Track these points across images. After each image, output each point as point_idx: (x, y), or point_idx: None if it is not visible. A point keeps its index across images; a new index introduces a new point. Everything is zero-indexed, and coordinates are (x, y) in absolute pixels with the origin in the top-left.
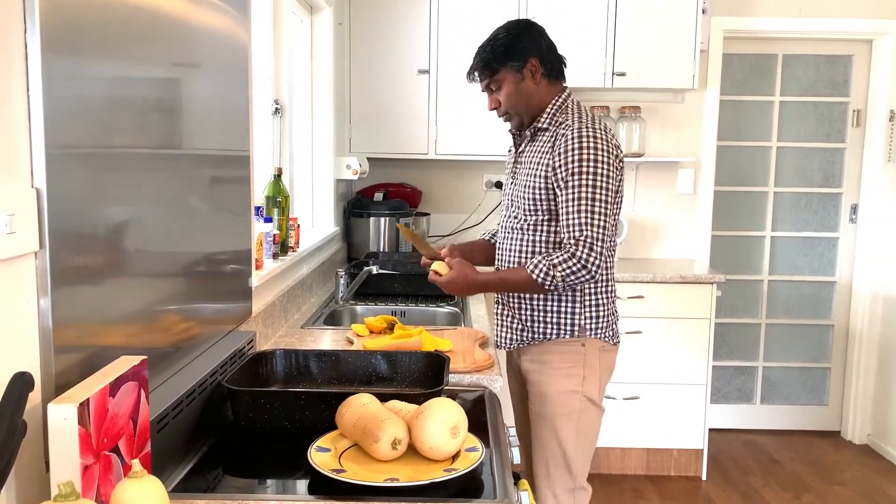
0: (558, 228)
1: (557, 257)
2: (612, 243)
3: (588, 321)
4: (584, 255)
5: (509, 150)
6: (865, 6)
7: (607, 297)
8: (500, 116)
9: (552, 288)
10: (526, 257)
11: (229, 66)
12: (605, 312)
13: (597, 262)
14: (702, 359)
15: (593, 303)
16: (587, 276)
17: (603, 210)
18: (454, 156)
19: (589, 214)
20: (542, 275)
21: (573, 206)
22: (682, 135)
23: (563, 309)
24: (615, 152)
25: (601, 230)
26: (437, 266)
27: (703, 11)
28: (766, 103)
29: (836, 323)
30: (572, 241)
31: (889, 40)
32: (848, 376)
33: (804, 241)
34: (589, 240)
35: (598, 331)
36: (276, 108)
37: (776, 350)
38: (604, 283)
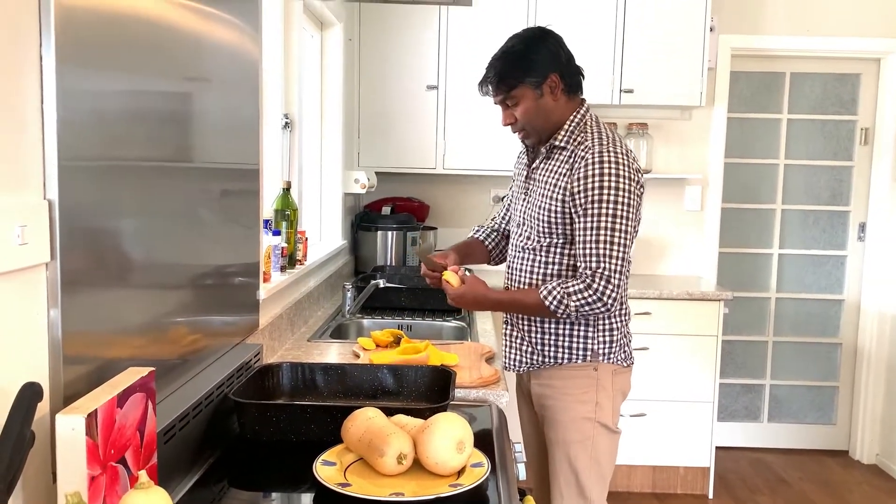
0: (573, 252)
1: (573, 286)
2: (627, 269)
3: (601, 346)
4: (601, 288)
5: (517, 162)
6: (873, 25)
7: (621, 321)
8: (515, 132)
9: (564, 316)
10: (538, 280)
11: (240, 81)
12: (619, 336)
13: (613, 294)
14: (709, 376)
15: (607, 327)
16: (602, 309)
17: (622, 241)
18: (461, 170)
19: (608, 246)
20: (555, 302)
21: (591, 235)
22: (689, 151)
23: (575, 333)
24: (636, 178)
25: (619, 262)
26: (448, 276)
27: (711, 29)
28: (773, 121)
29: (844, 341)
30: (589, 273)
31: None
32: (856, 395)
33: (812, 258)
34: (606, 272)
35: (612, 354)
36: (286, 123)
37: (784, 368)
38: (618, 307)
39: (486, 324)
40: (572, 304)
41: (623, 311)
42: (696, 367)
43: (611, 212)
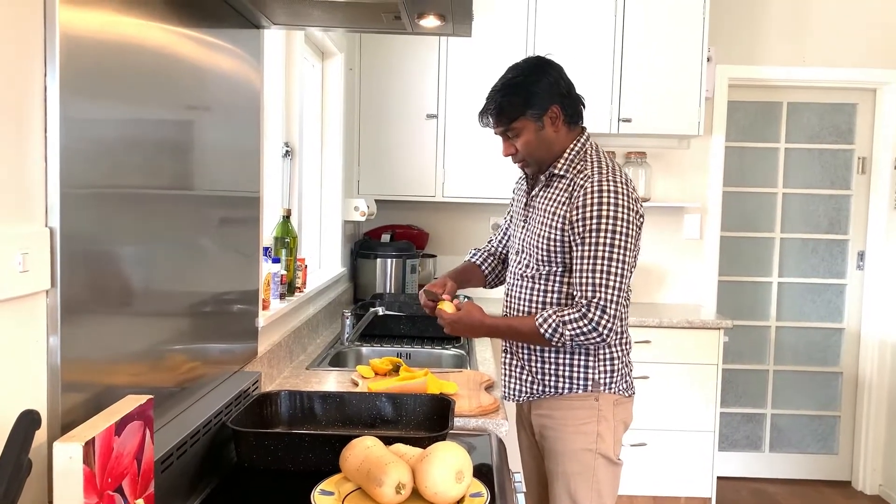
0: (572, 280)
1: (568, 314)
2: (627, 298)
3: (602, 375)
4: (596, 318)
5: (517, 187)
6: (869, 56)
7: (622, 350)
8: (516, 163)
9: (559, 345)
10: (537, 307)
11: (242, 110)
12: (620, 365)
13: (608, 324)
14: (709, 405)
15: (608, 357)
16: (597, 339)
17: (619, 270)
18: (461, 198)
19: (604, 275)
20: (550, 330)
21: (588, 264)
22: (687, 180)
23: (576, 363)
24: (635, 207)
25: (616, 292)
26: (443, 304)
27: (709, 60)
28: (771, 150)
29: (844, 370)
30: (584, 302)
31: (893, 89)
32: (858, 425)
33: (811, 287)
34: (602, 301)
35: (613, 384)
36: (287, 151)
37: (785, 397)
38: (618, 336)
39: (486, 352)
40: (567, 332)
41: (624, 340)
42: (697, 396)
43: (608, 241)
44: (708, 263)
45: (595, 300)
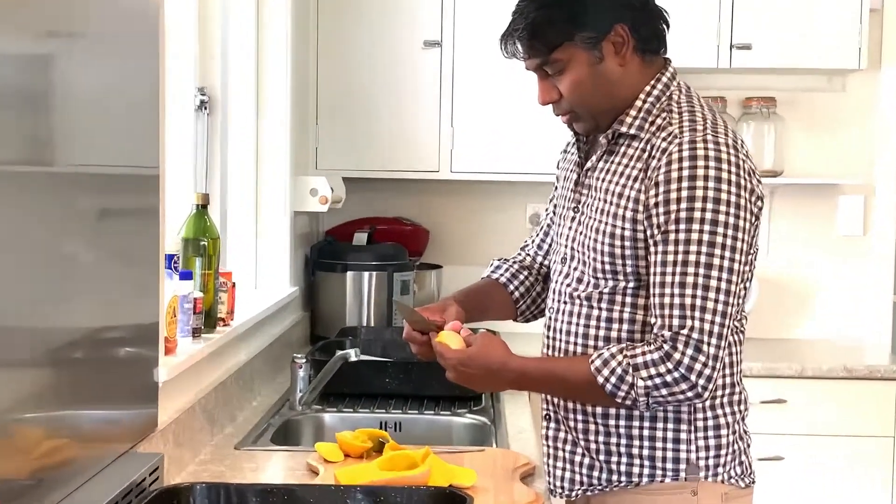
0: (650, 302)
1: (642, 354)
2: (741, 330)
3: (702, 454)
4: (687, 360)
5: (562, 160)
6: None
7: (732, 411)
8: (559, 115)
9: (629, 403)
10: (595, 346)
11: (129, 37)
12: (732, 437)
13: (707, 370)
14: (883, 499)
15: (710, 424)
16: (689, 394)
17: (725, 283)
18: (480, 174)
19: (699, 292)
20: (613, 379)
21: (673, 275)
22: (842, 142)
23: (659, 433)
24: (751, 185)
25: (719, 319)
26: (445, 337)
27: None
28: None
29: None
30: (667, 334)
31: None
32: None
33: None
34: (696, 334)
35: (721, 468)
36: (202, 102)
37: None
38: (725, 391)
39: (522, 418)
40: (641, 383)
41: (736, 394)
42: (861, 486)
43: (706, 238)
44: (877, 274)
45: (685, 331)
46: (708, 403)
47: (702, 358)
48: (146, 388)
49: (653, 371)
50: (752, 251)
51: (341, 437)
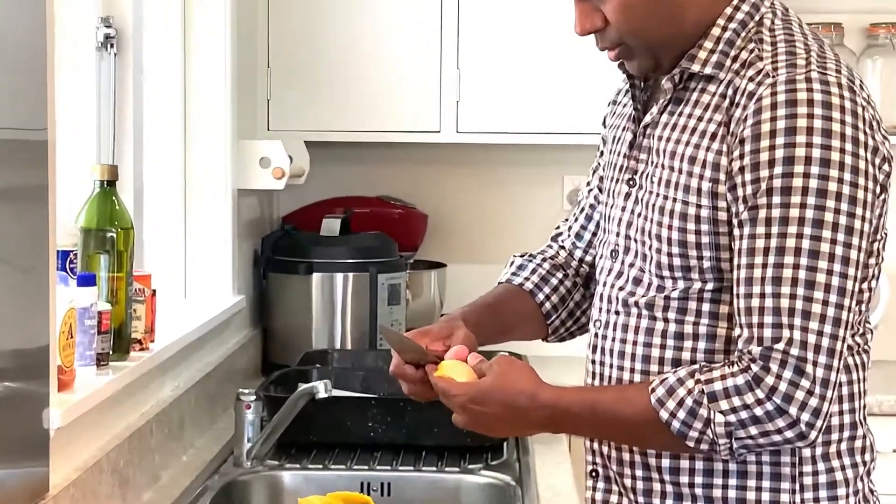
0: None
1: (722, 378)
2: (864, 341)
3: None
4: (784, 386)
5: (611, 115)
6: None
7: (854, 462)
8: (605, 49)
9: (706, 449)
10: (660, 374)
11: None
12: (853, 500)
13: (813, 402)
14: None
15: (822, 479)
16: (788, 434)
17: (839, 279)
18: (497, 135)
19: (803, 289)
20: (683, 414)
21: (766, 266)
22: None
23: (751, 496)
24: (873, 142)
25: (832, 327)
26: (449, 368)
27: None
28: None
29: None
30: (755, 350)
31: None
32: None
33: None
34: (796, 349)
35: None
36: (107, 38)
37: None
38: (846, 430)
39: (560, 475)
40: (720, 418)
41: (859, 445)
42: None
43: (811, 216)
44: None
45: (780, 346)
46: (819, 451)
47: (805, 383)
48: (33, 438)
49: (737, 402)
50: (877, 235)
51: (305, 503)
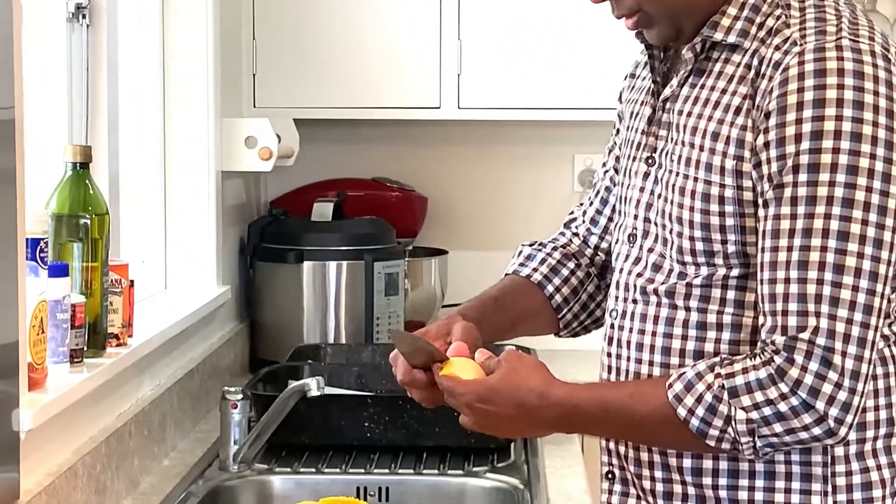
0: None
1: (744, 372)
2: None
3: None
4: (811, 379)
5: (628, 90)
6: None
7: (891, 461)
8: (621, 17)
9: (728, 448)
10: (681, 367)
11: None
12: (888, 490)
13: (843, 396)
14: None
15: (857, 480)
16: (815, 431)
17: (870, 262)
18: (502, 111)
19: (831, 273)
20: (702, 411)
21: (792, 249)
22: None
23: (779, 498)
24: None
25: (863, 314)
26: (455, 366)
27: None
28: None
29: None
30: (779, 340)
31: None
32: None
33: None
34: (823, 338)
35: None
36: (78, 7)
37: None
38: (882, 427)
39: (572, 478)
40: (742, 415)
41: None
42: None
43: (841, 194)
44: None
45: (806, 336)
46: (853, 450)
47: (833, 375)
48: (2, 441)
49: (759, 397)
50: None
51: None
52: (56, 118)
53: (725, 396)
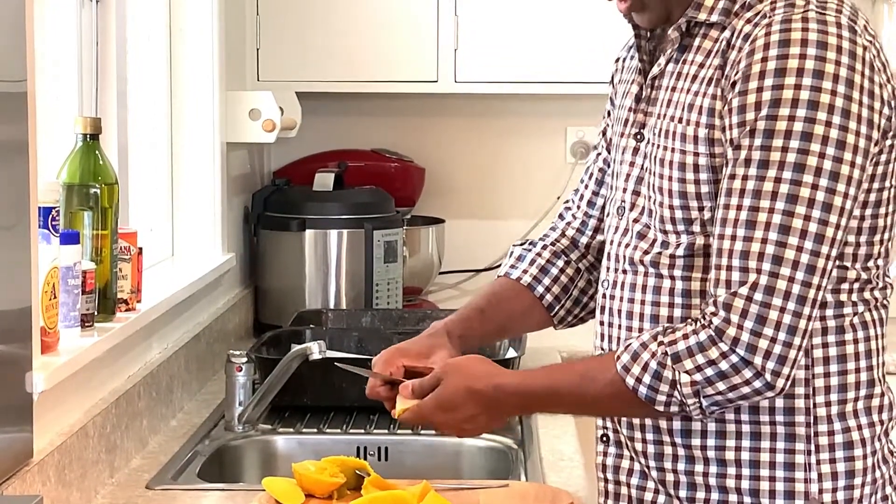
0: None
1: (684, 337)
2: (883, 296)
3: (828, 484)
4: (746, 336)
5: (620, 70)
6: None
7: (871, 422)
8: None
9: (676, 411)
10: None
11: None
12: (871, 460)
13: (777, 349)
14: None
15: (839, 439)
16: (756, 384)
17: (817, 225)
18: (497, 85)
19: (776, 233)
20: (648, 378)
21: (741, 209)
22: None
23: (764, 457)
24: (873, 85)
25: (805, 273)
26: (405, 402)
27: None
28: None
29: None
30: (721, 296)
31: None
32: None
33: None
34: (760, 293)
35: (860, 502)
36: None
37: None
38: (862, 388)
39: (565, 439)
40: (685, 377)
41: (877, 404)
42: None
43: (792, 159)
44: None
45: (745, 291)
46: (835, 410)
47: (768, 331)
48: (16, 403)
49: (701, 359)
50: (885, 183)
51: (301, 469)
52: (67, 91)
53: (669, 362)
